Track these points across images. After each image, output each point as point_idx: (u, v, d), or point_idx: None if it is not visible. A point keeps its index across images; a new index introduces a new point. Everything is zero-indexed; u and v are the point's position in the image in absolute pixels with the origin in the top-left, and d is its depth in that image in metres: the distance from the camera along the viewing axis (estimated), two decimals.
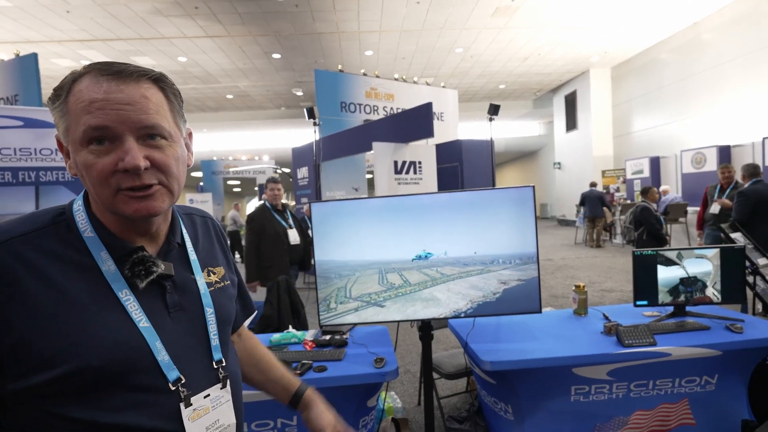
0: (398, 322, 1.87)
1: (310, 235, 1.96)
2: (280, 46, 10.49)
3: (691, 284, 2.22)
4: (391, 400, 2.48)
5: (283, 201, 4.05)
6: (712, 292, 2.21)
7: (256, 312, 0.99)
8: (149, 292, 0.64)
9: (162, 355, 0.62)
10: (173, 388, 0.62)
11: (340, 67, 9.11)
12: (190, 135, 0.71)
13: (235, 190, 27.66)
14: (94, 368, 0.56)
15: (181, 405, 0.63)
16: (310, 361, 1.84)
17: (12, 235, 0.58)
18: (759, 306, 2.81)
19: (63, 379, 0.55)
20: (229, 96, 14.81)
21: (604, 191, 11.72)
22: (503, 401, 2.04)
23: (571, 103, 15.13)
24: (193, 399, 0.64)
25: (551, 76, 14.26)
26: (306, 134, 14.32)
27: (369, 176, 7.89)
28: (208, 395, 0.67)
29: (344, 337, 2.12)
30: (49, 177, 2.43)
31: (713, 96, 9.81)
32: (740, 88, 9.05)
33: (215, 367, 0.70)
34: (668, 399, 2.01)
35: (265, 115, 17.00)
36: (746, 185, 4.07)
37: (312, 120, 4.59)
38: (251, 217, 3.82)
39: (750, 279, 2.67)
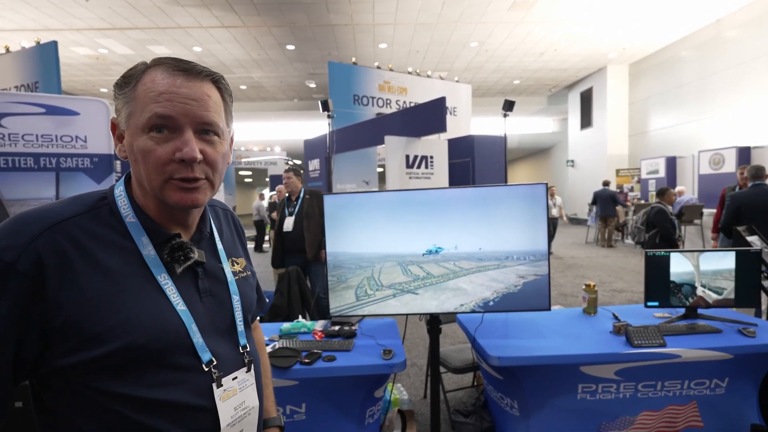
0: (438, 314, 1.90)
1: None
2: (294, 37, 10.50)
3: (704, 287, 2.20)
4: (397, 392, 2.51)
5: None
6: (726, 295, 2.19)
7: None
8: (183, 277, 0.68)
9: (197, 338, 0.65)
10: (206, 369, 0.66)
11: (353, 59, 9.09)
12: (232, 138, 0.75)
13: (247, 180, 27.90)
14: (138, 346, 0.59)
15: (213, 385, 0.66)
16: (320, 351, 1.87)
17: (64, 217, 0.60)
18: None
19: (110, 355, 0.58)
20: (243, 87, 14.89)
21: (617, 190, 11.56)
22: (509, 397, 2.05)
23: (586, 100, 14.88)
24: (223, 380, 0.68)
25: (567, 72, 14.03)
26: (318, 126, 14.28)
27: (380, 170, 7.90)
28: (236, 378, 0.71)
29: (353, 328, 2.15)
30: (69, 163, 2.49)
31: (734, 96, 9.57)
32: (762, 88, 8.81)
33: (241, 351, 0.74)
34: (676, 401, 2.00)
35: (278, 107, 17.07)
36: (747, 187, 3.99)
37: (326, 113, 4.60)
38: (273, 206, 3.94)
39: (766, 283, 2.63)
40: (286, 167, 3.88)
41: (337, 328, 2.15)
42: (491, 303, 1.82)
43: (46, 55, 6.49)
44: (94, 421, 0.60)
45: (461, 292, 1.82)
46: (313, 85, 14.85)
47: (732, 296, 2.18)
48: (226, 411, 0.67)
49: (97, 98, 2.55)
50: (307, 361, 1.77)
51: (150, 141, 0.61)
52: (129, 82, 0.63)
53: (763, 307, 2.90)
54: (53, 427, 0.62)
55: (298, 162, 14.49)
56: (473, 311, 1.84)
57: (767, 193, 3.78)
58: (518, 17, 9.53)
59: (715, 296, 2.20)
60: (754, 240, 2.79)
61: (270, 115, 17.10)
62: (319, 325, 2.23)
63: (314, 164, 8.12)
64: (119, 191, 0.67)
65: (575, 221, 15.49)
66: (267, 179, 14.96)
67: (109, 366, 0.59)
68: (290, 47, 11.20)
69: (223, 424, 0.66)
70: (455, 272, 1.83)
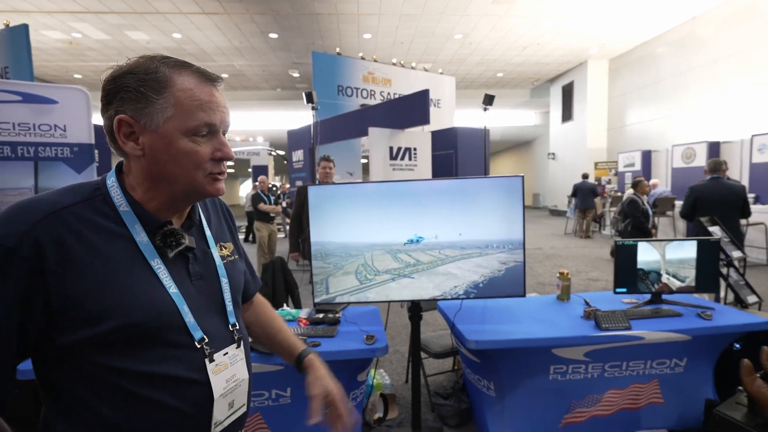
0: (435, 299, 1.97)
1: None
2: (277, 25, 10.34)
3: (669, 274, 2.34)
4: (380, 376, 2.59)
5: (279, 183, 4.10)
6: (689, 282, 2.33)
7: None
8: (175, 262, 0.73)
9: (189, 318, 0.71)
10: (199, 346, 0.72)
11: (338, 49, 9.03)
12: None
13: (229, 171, 27.45)
14: (135, 324, 0.65)
15: (206, 360, 0.73)
16: (304, 337, 1.93)
17: (61, 205, 0.64)
18: (731, 296, 2.95)
19: (110, 332, 0.63)
20: (224, 75, 14.59)
21: (596, 183, 11.87)
22: (486, 379, 2.16)
23: (567, 93, 15.15)
24: (215, 356, 0.74)
25: (549, 66, 14.24)
26: (302, 117, 14.15)
27: (364, 161, 7.93)
28: (227, 353, 0.77)
29: (337, 315, 2.21)
30: (48, 153, 2.45)
31: (706, 92, 9.91)
32: (732, 86, 9.15)
33: (231, 329, 0.80)
34: (640, 379, 2.14)
35: (260, 96, 16.80)
36: (706, 180, 4.23)
37: (311, 104, 4.60)
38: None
39: (724, 270, 2.81)
40: (323, 156, 3.85)
41: (321, 315, 2.21)
42: (481, 285, 1.92)
43: (16, 39, 6.23)
44: (97, 394, 0.65)
45: (452, 277, 1.92)
46: (296, 75, 14.67)
47: (693, 283, 2.33)
48: (218, 383, 0.73)
49: (77, 86, 2.50)
50: None
51: (192, 143, 0.68)
52: (163, 86, 0.66)
53: (722, 294, 3.09)
54: (59, 401, 0.66)
55: (282, 152, 14.37)
56: (466, 293, 1.92)
57: (723, 186, 4.04)
58: (502, 10, 9.61)
59: (678, 283, 2.34)
60: (716, 230, 2.96)
61: (252, 104, 16.82)
62: (303, 313, 2.29)
63: (298, 155, 8.09)
64: (111, 182, 0.71)
65: (555, 212, 15.85)
66: (249, 170, 14.78)
67: (109, 342, 0.64)
68: (273, 36, 11.03)
69: (216, 395, 0.72)
70: (442, 259, 1.92)
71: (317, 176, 3.84)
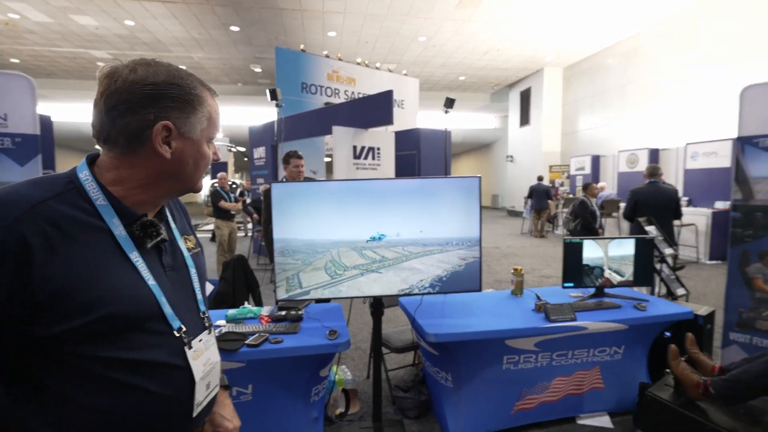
0: (403, 292, 2.01)
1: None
2: (239, 18, 10.05)
3: (611, 269, 2.54)
4: (342, 373, 2.62)
5: (239, 181, 3.91)
6: (626, 275, 2.55)
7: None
8: (149, 254, 0.75)
9: (167, 309, 0.74)
10: (177, 335, 0.76)
11: (302, 46, 8.94)
12: None
13: None
14: (120, 314, 0.67)
15: (185, 347, 0.76)
16: (267, 334, 1.93)
17: (37, 200, 0.64)
18: (664, 289, 3.25)
19: (95, 322, 0.64)
20: (182, 67, 13.94)
21: (550, 185, 12.49)
22: (444, 371, 2.25)
23: (525, 99, 15.80)
24: (192, 342, 0.78)
25: (509, 71, 14.79)
26: (264, 113, 13.82)
27: (327, 159, 7.89)
28: (201, 339, 0.81)
29: (300, 312, 2.22)
30: None
31: (648, 102, 10.70)
32: (670, 98, 9.93)
33: (202, 317, 0.85)
34: (583, 366, 2.32)
35: (221, 91, 16.06)
36: (644, 183, 4.63)
37: (274, 101, 4.52)
38: (267, 193, 3.59)
39: (657, 266, 3.08)
40: (291, 152, 3.50)
41: (284, 312, 2.22)
42: (444, 278, 2.00)
43: None
44: (77, 385, 0.65)
45: (417, 271, 1.99)
46: (258, 70, 14.32)
47: (632, 277, 2.55)
48: (197, 367, 0.78)
49: (19, 73, 2.34)
50: (253, 343, 1.83)
51: (208, 149, 0.80)
52: (201, 102, 0.76)
53: (657, 289, 3.39)
54: (30, 394, 0.65)
55: (242, 149, 13.98)
56: (432, 286, 1.99)
57: (659, 190, 4.43)
58: (464, 15, 9.88)
59: (618, 277, 2.55)
60: (651, 229, 3.24)
61: None
62: (265, 310, 2.28)
63: (259, 152, 7.92)
64: (84, 175, 0.71)
65: (513, 213, 16.50)
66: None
67: (93, 332, 0.65)
68: (234, 28, 10.71)
69: (197, 378, 0.77)
70: (406, 255, 1.98)
71: (285, 174, 3.57)
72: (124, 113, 0.68)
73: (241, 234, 10.67)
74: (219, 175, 6.49)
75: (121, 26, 10.43)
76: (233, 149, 14.44)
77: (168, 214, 0.86)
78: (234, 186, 10.93)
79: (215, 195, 5.92)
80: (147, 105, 0.69)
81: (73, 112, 15.11)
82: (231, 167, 14.82)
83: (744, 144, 2.76)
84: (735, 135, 2.80)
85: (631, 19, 10.19)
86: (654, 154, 9.47)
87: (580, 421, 2.35)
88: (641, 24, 10.46)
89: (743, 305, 2.80)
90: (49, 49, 12.17)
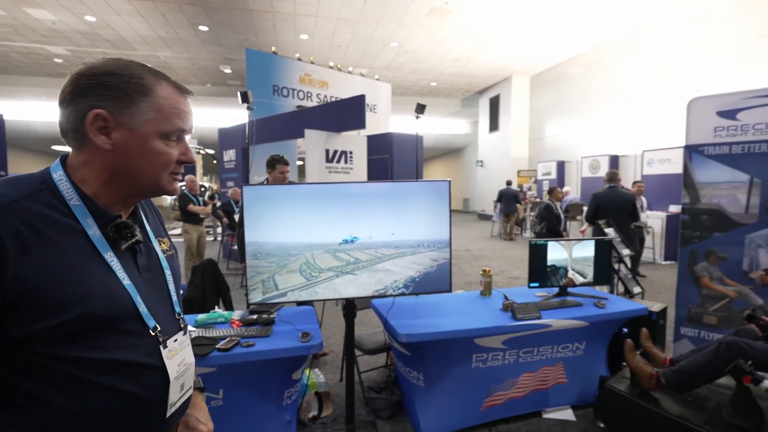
0: (377, 295, 2.02)
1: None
2: (208, 18, 9.84)
3: (573, 270, 2.67)
4: (314, 376, 2.62)
5: (207, 184, 3.84)
6: (588, 275, 2.68)
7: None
8: (124, 255, 0.75)
9: (142, 308, 0.74)
10: (153, 334, 0.76)
11: (273, 48, 8.85)
12: None
13: None
14: (95, 314, 0.66)
15: (161, 347, 0.76)
16: (238, 338, 1.91)
17: (10, 199, 0.63)
18: (622, 287, 3.44)
19: (69, 322, 0.64)
20: (145, 64, 13.49)
21: (519, 189, 12.89)
22: (416, 370, 2.29)
23: (494, 105, 16.25)
24: (168, 342, 0.78)
25: (478, 78, 15.17)
26: (235, 115, 13.53)
27: (299, 163, 7.84)
28: (176, 339, 0.81)
29: (271, 316, 2.21)
30: None
31: (608, 111, 11.25)
32: (628, 107, 10.50)
33: (177, 318, 0.85)
34: (548, 363, 2.42)
35: (189, 91, 15.78)
36: (605, 188, 4.89)
37: (246, 104, 4.45)
38: (184, 198, 3.52)
39: (616, 266, 3.26)
40: (270, 157, 3.37)
41: (255, 316, 2.20)
42: (417, 279, 2.04)
43: None
44: (47, 385, 0.64)
45: (391, 273, 2.03)
46: (228, 71, 14.04)
47: (592, 277, 2.69)
48: (172, 367, 0.78)
49: None
50: (224, 347, 1.81)
51: (164, 145, 0.75)
52: (145, 91, 0.73)
53: (615, 288, 3.58)
54: (9, 398, 0.64)
55: (211, 151, 13.64)
56: (406, 286, 2.03)
57: (618, 194, 4.70)
58: (435, 24, 10.08)
59: (581, 278, 2.68)
60: (610, 231, 3.43)
61: None
62: (236, 314, 2.25)
63: (230, 155, 7.77)
64: (59, 175, 0.71)
65: (483, 217, 16.88)
66: None
67: (68, 333, 0.64)
68: (203, 28, 10.47)
69: (171, 377, 0.77)
70: (379, 257, 2.02)
71: (268, 178, 3.44)
72: (68, 105, 0.70)
73: (210, 238, 10.40)
74: (187, 177, 6.31)
75: (80, 22, 9.98)
76: (202, 151, 14.07)
77: (142, 215, 0.86)
78: (203, 189, 10.65)
79: (183, 198, 5.75)
80: (85, 95, 0.69)
81: (28, 110, 14.29)
82: (199, 170, 14.40)
83: (691, 152, 2.97)
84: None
85: (592, 32, 10.71)
86: (614, 160, 9.97)
87: (545, 415, 2.46)
88: (601, 37, 11.02)
89: (692, 301, 3.01)
90: (1, 44, 11.48)
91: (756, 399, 1.75)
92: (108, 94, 0.69)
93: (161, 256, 0.86)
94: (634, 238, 5.04)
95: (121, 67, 0.72)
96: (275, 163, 3.36)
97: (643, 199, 6.85)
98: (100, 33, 10.72)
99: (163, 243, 0.89)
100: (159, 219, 0.96)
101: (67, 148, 0.75)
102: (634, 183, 6.70)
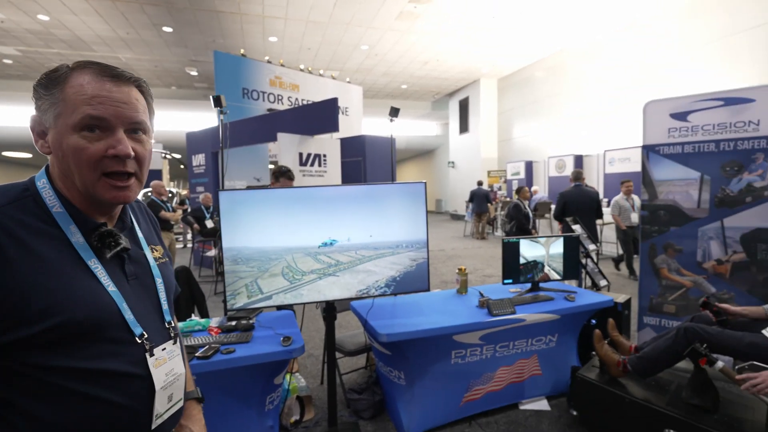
0: (360, 295, 2.02)
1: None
2: (172, 19, 9.55)
3: (545, 266, 2.79)
4: (295, 380, 2.61)
5: (176, 189, 3.73)
6: (557, 271, 2.81)
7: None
8: (111, 262, 0.74)
9: (128, 315, 0.72)
10: (139, 341, 0.74)
11: (242, 51, 8.70)
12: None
13: None
14: (77, 321, 0.64)
15: (147, 355, 0.74)
16: (218, 345, 1.89)
17: None
18: (590, 281, 3.61)
19: (53, 329, 0.62)
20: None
21: (489, 189, 13.21)
22: (397, 369, 2.33)
23: (464, 107, 16.60)
24: (155, 351, 0.76)
25: (448, 81, 15.45)
26: (202, 118, 13.18)
27: (272, 167, 7.74)
28: (165, 348, 0.79)
29: (251, 321, 2.19)
30: None
31: (572, 112, 11.74)
32: (590, 109, 10.99)
33: (167, 327, 0.83)
34: (523, 356, 2.52)
35: (153, 94, 15.23)
36: (571, 186, 5.12)
37: (218, 108, 4.36)
38: (153, 204, 3.42)
39: (583, 261, 3.42)
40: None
41: (234, 323, 2.17)
42: (398, 279, 2.09)
43: None
44: (29, 395, 0.63)
45: (372, 273, 2.06)
46: (194, 73, 13.66)
47: (562, 272, 2.81)
48: (158, 377, 0.76)
49: None
50: (203, 355, 1.78)
51: (82, 140, 0.67)
52: (55, 83, 0.68)
53: (583, 282, 3.75)
54: None
55: (178, 156, 13.22)
56: (387, 285, 2.07)
57: (582, 193, 4.93)
58: (405, 27, 10.20)
59: (551, 273, 2.80)
60: (577, 228, 3.59)
61: None
62: (214, 321, 2.22)
63: (199, 159, 7.57)
64: (42, 183, 0.70)
65: (455, 217, 17.18)
66: None
67: (50, 341, 0.63)
68: (167, 29, 10.16)
69: (157, 387, 0.75)
70: (360, 259, 2.04)
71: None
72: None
73: (179, 245, 10.07)
74: (153, 183, 6.10)
75: (32, 21, 9.47)
76: (168, 156, 13.60)
77: (134, 222, 0.85)
78: (171, 195, 10.31)
79: (153, 205, 5.56)
80: (35, 101, 0.70)
81: None
82: (166, 175, 13.91)
83: (648, 151, 3.16)
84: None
85: (555, 37, 11.14)
86: (579, 160, 10.40)
87: (522, 407, 2.55)
88: (564, 42, 11.48)
89: (653, 292, 3.20)
90: None
91: (711, 380, 1.89)
92: (38, 96, 0.69)
93: (152, 263, 0.84)
94: (598, 234, 5.20)
95: (55, 67, 0.69)
96: (280, 176, 3.32)
97: (635, 198, 6.07)
98: (54, 33, 10.20)
99: (156, 251, 0.88)
100: (154, 226, 0.95)
101: (16, 154, 0.74)
102: (623, 182, 6.16)
